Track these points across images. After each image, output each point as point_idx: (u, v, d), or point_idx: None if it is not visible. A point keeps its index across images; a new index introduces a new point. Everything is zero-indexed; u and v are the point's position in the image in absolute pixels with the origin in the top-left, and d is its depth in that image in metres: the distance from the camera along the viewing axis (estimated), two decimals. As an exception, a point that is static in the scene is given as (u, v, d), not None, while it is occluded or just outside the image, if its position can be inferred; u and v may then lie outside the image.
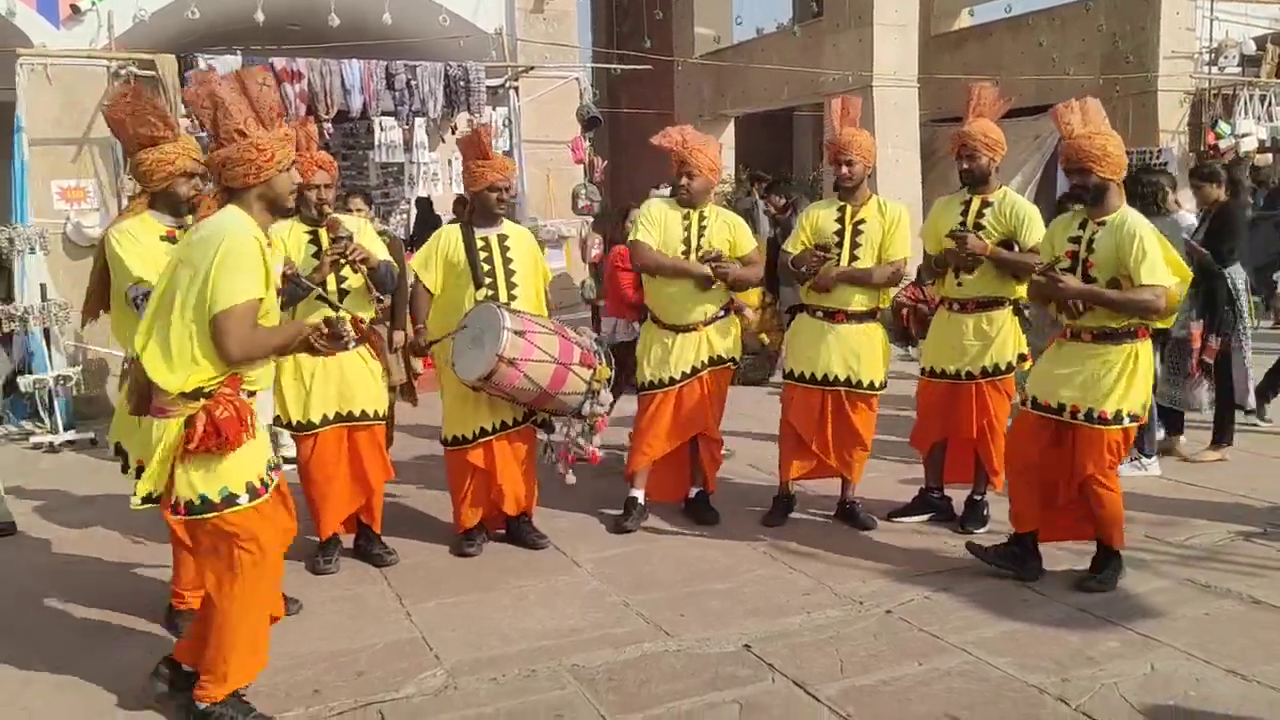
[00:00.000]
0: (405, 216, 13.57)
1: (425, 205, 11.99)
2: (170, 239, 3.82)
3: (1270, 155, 13.66)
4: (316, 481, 4.64)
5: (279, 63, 8.96)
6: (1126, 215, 4.14)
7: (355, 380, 4.60)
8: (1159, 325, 4.32)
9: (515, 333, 4.44)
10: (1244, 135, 13.28)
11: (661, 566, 4.67)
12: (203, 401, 3.05)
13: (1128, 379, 4.12)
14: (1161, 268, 4.03)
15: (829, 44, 13.80)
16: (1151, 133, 13.34)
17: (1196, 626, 3.88)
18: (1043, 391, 4.28)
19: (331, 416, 4.58)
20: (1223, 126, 13.26)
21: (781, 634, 3.89)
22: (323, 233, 4.57)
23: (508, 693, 3.49)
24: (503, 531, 5.05)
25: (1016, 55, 14.71)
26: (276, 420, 4.66)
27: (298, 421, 4.58)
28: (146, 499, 3.21)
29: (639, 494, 5.25)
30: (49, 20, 9.25)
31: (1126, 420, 4.14)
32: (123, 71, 9.00)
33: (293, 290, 4.29)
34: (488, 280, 4.74)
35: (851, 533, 5.08)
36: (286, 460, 6.58)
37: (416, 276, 4.85)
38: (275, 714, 3.35)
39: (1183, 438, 6.41)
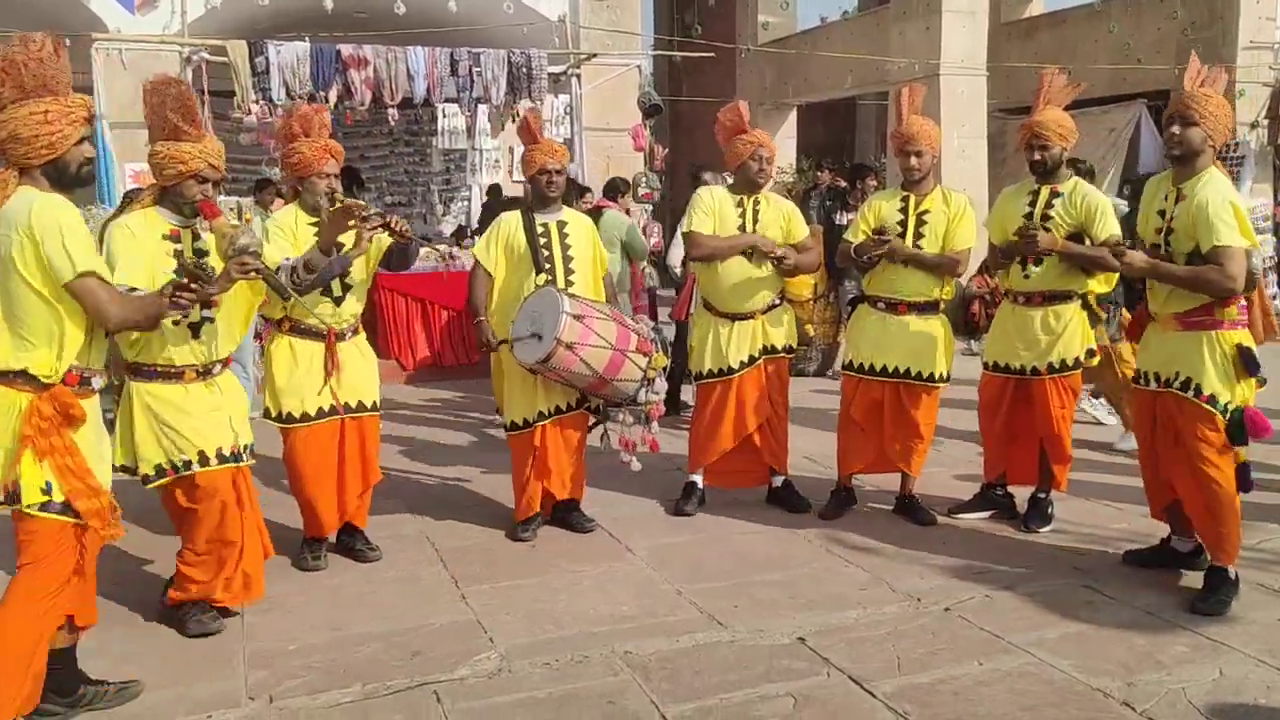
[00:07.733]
0: (466, 204, 13.66)
1: (496, 192, 12.02)
2: (174, 238, 3.69)
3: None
4: (310, 478, 4.42)
5: (346, 49, 9.06)
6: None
7: (351, 370, 4.43)
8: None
9: (574, 317, 4.45)
10: (1324, 129, 12.83)
11: (716, 556, 4.65)
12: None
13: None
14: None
15: (895, 32, 13.61)
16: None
17: (1268, 632, 3.76)
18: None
19: (327, 409, 4.38)
20: (1302, 119, 12.82)
21: (837, 628, 3.85)
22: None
23: (561, 677, 3.50)
24: (547, 516, 5.03)
25: (1090, 44, 14.37)
26: (266, 413, 4.41)
27: (288, 414, 4.35)
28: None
29: (698, 478, 5.25)
30: (124, 6, 9.47)
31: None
32: (194, 57, 9.19)
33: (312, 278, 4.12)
34: (546, 266, 4.74)
35: (910, 527, 5.01)
36: None
37: (477, 260, 4.88)
38: (333, 689, 3.40)
39: None
